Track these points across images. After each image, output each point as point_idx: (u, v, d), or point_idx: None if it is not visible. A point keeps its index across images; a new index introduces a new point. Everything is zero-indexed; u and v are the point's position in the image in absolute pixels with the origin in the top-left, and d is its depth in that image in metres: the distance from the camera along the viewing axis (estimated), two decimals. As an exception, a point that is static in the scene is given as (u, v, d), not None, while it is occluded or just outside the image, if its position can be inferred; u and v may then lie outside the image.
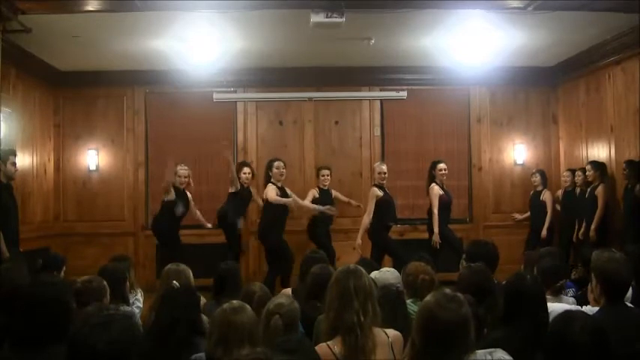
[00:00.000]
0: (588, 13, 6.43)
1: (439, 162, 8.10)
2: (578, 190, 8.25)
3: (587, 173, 7.88)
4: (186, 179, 7.70)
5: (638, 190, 6.87)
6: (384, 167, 8.04)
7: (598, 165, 7.77)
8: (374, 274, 4.45)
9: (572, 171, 8.44)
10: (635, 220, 6.84)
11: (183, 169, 7.67)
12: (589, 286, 3.65)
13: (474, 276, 3.71)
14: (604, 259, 3.39)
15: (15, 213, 6.40)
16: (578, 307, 3.53)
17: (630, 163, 7.16)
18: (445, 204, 7.87)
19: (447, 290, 2.51)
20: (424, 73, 9.14)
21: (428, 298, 2.46)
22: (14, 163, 6.38)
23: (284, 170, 7.80)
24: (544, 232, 8.47)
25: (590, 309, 3.37)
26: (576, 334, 2.35)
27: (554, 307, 3.29)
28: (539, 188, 8.81)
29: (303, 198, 8.17)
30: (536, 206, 8.77)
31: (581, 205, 7.99)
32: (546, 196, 8.71)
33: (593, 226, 7.53)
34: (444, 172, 8.00)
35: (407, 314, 3.56)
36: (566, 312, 2.64)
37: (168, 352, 3.13)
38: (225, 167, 8.06)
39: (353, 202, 8.73)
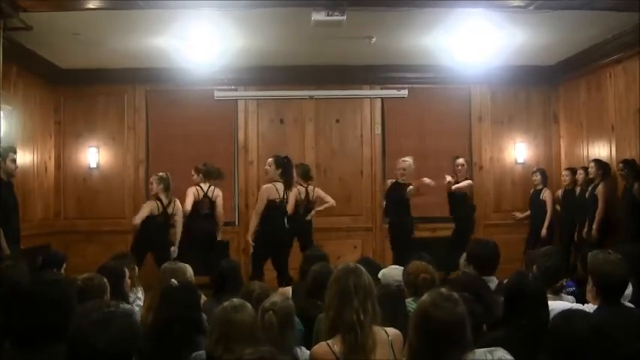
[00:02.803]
0: (589, 12, 6.42)
1: (457, 157, 8.46)
2: (578, 189, 8.25)
3: (589, 170, 7.88)
4: None
5: (636, 189, 6.87)
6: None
7: (601, 164, 7.75)
8: (382, 271, 4.47)
9: (572, 170, 8.44)
10: (634, 220, 6.85)
11: None
12: (587, 286, 3.67)
13: (466, 281, 3.69)
14: (599, 260, 3.41)
15: (15, 210, 6.40)
16: (579, 306, 3.54)
17: (626, 163, 7.16)
18: None
19: (443, 290, 2.51)
20: (425, 72, 9.13)
21: (424, 297, 2.46)
22: (14, 160, 6.37)
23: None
24: (544, 232, 8.47)
25: (591, 307, 3.39)
26: (580, 331, 2.36)
27: (556, 305, 3.30)
28: (540, 187, 8.81)
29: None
30: (537, 205, 8.77)
31: (581, 204, 7.98)
32: (546, 195, 8.71)
33: (595, 226, 7.53)
34: (459, 167, 8.36)
35: (407, 313, 3.56)
36: (568, 310, 2.65)
37: (168, 350, 3.13)
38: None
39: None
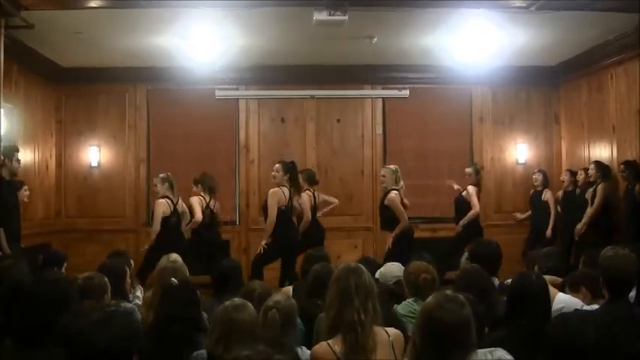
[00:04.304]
0: (590, 13, 6.42)
1: (467, 167, 8.34)
2: (578, 190, 8.23)
3: (589, 172, 7.87)
4: None
5: (637, 190, 6.87)
6: (382, 170, 7.68)
7: (601, 165, 7.75)
8: (380, 270, 4.47)
9: (571, 172, 8.43)
10: (635, 221, 6.84)
11: None
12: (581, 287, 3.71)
13: (470, 277, 3.71)
14: (609, 255, 3.42)
15: (16, 209, 6.41)
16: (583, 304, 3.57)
17: (627, 164, 7.16)
18: None
19: (449, 291, 2.50)
20: (426, 72, 9.12)
21: (429, 299, 2.46)
22: (19, 160, 6.41)
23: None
24: (549, 232, 8.43)
25: (594, 307, 3.41)
26: (579, 334, 2.36)
27: (564, 298, 3.32)
28: (540, 188, 8.79)
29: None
30: (537, 206, 8.76)
31: (581, 205, 7.96)
32: (548, 196, 8.69)
33: (583, 221, 7.60)
34: (466, 177, 8.19)
35: (396, 314, 3.59)
36: (568, 312, 2.65)
37: (169, 349, 3.13)
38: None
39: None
